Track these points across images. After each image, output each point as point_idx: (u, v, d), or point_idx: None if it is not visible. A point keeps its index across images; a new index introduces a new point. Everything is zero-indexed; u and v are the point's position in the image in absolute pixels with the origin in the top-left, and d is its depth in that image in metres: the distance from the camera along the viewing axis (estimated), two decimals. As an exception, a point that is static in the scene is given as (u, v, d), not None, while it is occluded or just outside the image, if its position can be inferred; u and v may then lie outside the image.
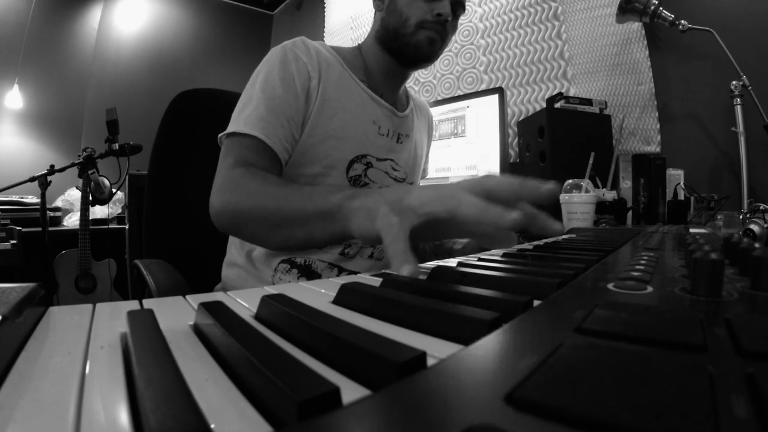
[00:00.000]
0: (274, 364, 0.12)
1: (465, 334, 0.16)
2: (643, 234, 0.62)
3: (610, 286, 0.23)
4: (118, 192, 2.07)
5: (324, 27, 2.75)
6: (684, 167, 1.23)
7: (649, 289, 0.22)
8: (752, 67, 1.11)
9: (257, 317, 0.21)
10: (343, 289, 0.24)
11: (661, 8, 1.19)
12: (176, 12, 3.11)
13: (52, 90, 2.63)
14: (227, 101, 0.69)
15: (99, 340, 0.17)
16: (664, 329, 0.14)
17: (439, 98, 1.79)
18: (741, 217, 0.96)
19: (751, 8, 1.21)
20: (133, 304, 0.22)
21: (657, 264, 0.31)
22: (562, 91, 1.57)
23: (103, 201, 1.99)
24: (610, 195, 1.10)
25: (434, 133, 1.04)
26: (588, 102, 1.32)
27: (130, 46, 2.89)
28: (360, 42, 0.80)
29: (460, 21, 0.80)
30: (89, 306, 0.22)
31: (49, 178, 1.88)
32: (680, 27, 1.16)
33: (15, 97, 2.46)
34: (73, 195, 2.35)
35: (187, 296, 0.25)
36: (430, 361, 0.13)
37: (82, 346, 0.16)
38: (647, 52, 1.41)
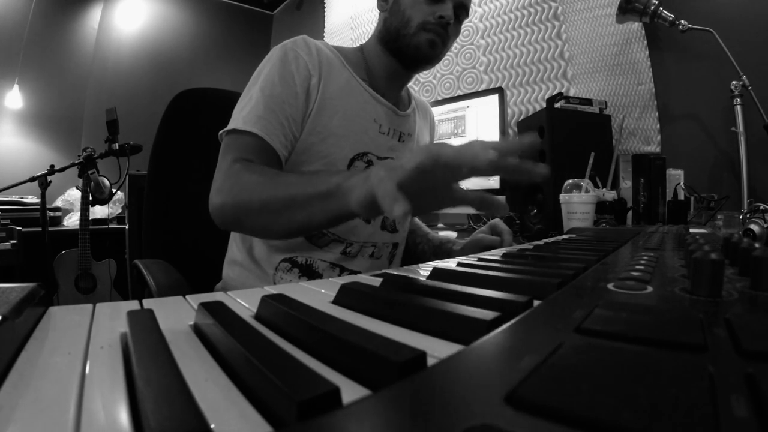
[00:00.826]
0: (274, 364, 0.12)
1: (465, 334, 0.16)
2: (643, 234, 0.62)
3: (610, 286, 0.23)
4: (118, 192, 2.07)
5: (324, 27, 2.75)
6: (684, 167, 1.23)
7: (649, 289, 0.22)
8: (752, 67, 1.10)
9: (257, 317, 0.21)
10: (343, 289, 0.24)
11: (661, 8, 1.19)
12: (176, 12, 3.10)
13: (52, 90, 2.62)
14: (227, 101, 0.69)
15: (99, 340, 0.17)
16: (664, 329, 0.14)
17: (439, 98, 1.79)
18: (741, 217, 0.96)
19: (751, 8, 1.21)
20: (133, 304, 0.22)
21: (657, 264, 0.31)
22: (562, 91, 1.57)
23: (103, 201, 1.99)
24: (610, 195, 1.10)
25: (435, 133, 1.04)
26: (588, 102, 1.32)
27: (130, 46, 2.89)
28: (361, 42, 0.80)
29: None
30: (89, 306, 0.22)
31: (49, 178, 1.88)
32: (680, 27, 1.16)
33: (15, 97, 2.46)
34: (73, 195, 2.34)
35: (187, 296, 0.25)
36: (430, 361, 0.13)
37: (82, 346, 0.16)
38: (647, 52, 1.41)
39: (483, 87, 1.81)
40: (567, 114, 1.27)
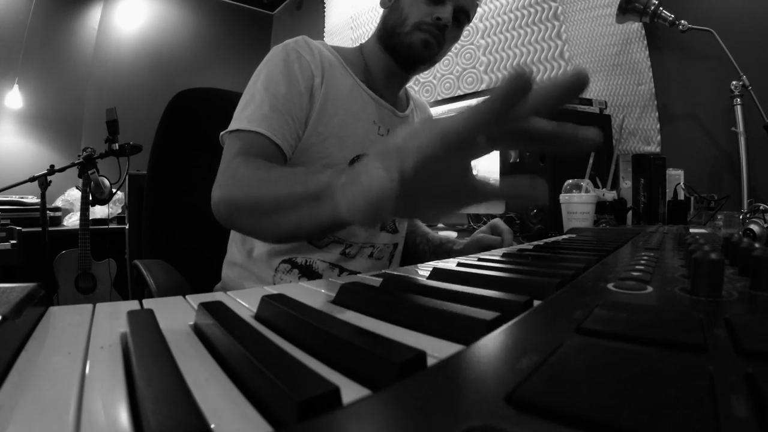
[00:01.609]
0: (274, 364, 0.12)
1: (465, 334, 0.16)
2: (643, 234, 0.62)
3: (610, 286, 0.23)
4: (118, 192, 2.07)
5: (324, 27, 2.75)
6: (684, 167, 1.23)
7: (649, 289, 0.22)
8: (752, 67, 1.10)
9: (257, 317, 0.21)
10: (343, 289, 0.24)
11: (661, 8, 1.19)
12: (176, 12, 3.11)
13: (52, 90, 2.62)
14: (227, 100, 0.69)
15: (99, 340, 0.17)
16: (664, 329, 0.14)
17: (439, 98, 1.79)
18: (741, 217, 0.96)
19: (751, 8, 1.21)
20: (133, 304, 0.22)
21: (657, 264, 0.31)
22: (562, 91, 1.57)
23: (103, 201, 1.99)
24: (610, 195, 1.10)
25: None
26: (588, 102, 1.32)
27: (130, 46, 2.89)
28: (361, 42, 0.80)
29: None
30: (89, 306, 0.22)
31: (49, 178, 1.88)
32: (680, 27, 1.16)
33: (15, 97, 2.46)
34: (73, 195, 2.35)
35: (187, 296, 0.25)
36: (430, 361, 0.13)
37: (82, 346, 0.16)
38: (647, 52, 1.41)
39: (483, 87, 1.81)
40: (567, 114, 1.27)
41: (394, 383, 0.11)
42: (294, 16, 3.19)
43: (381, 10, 0.77)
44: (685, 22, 1.15)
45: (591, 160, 1.01)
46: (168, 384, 0.11)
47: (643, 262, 0.30)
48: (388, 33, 0.73)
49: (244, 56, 3.23)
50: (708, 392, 0.09)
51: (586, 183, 0.94)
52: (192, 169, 0.89)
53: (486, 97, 0.28)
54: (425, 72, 1.99)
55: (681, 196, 1.15)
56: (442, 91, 1.98)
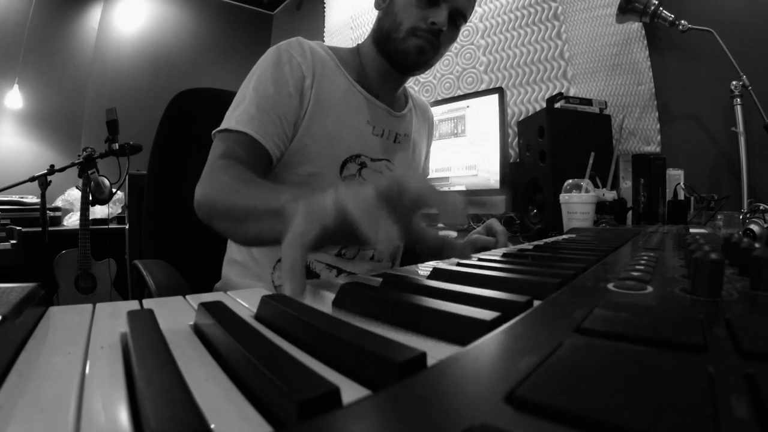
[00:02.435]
0: (274, 364, 0.12)
1: (465, 334, 0.16)
2: (643, 234, 0.62)
3: (610, 286, 0.23)
4: (118, 192, 2.07)
5: (324, 27, 2.75)
6: (684, 167, 1.23)
7: (649, 289, 0.22)
8: (752, 67, 1.10)
9: (257, 317, 0.21)
10: (343, 289, 0.24)
11: (661, 8, 1.19)
12: (176, 12, 3.10)
13: (52, 90, 2.62)
14: (227, 100, 0.69)
15: (99, 340, 0.17)
16: (664, 329, 0.14)
17: (439, 98, 1.79)
18: (741, 217, 0.96)
19: (751, 8, 1.21)
20: (133, 304, 0.22)
21: (657, 264, 0.31)
22: (562, 91, 1.57)
23: (103, 201, 1.99)
24: (610, 195, 1.10)
25: (434, 132, 1.03)
26: (588, 102, 1.32)
27: (130, 46, 2.89)
28: (360, 42, 0.80)
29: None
30: (89, 306, 0.22)
31: (49, 178, 1.88)
32: (680, 27, 1.16)
33: (15, 97, 2.46)
34: (73, 195, 2.35)
35: (187, 296, 0.25)
36: (430, 361, 0.13)
37: (82, 346, 0.16)
38: (647, 52, 1.41)
39: (483, 87, 1.81)
40: (567, 114, 1.27)
41: (394, 383, 0.11)
42: (294, 16, 3.19)
43: None
44: (685, 22, 1.16)
45: (591, 160, 1.01)
46: (168, 384, 0.11)
47: (643, 262, 0.30)
48: (383, 38, 0.73)
49: (244, 56, 3.23)
50: (708, 392, 0.09)
51: (586, 183, 0.94)
52: (192, 169, 0.89)
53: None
54: (425, 72, 1.99)
55: (681, 196, 1.15)
56: (442, 91, 1.98)
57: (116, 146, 1.90)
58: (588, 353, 0.12)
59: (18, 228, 1.93)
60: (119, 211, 2.40)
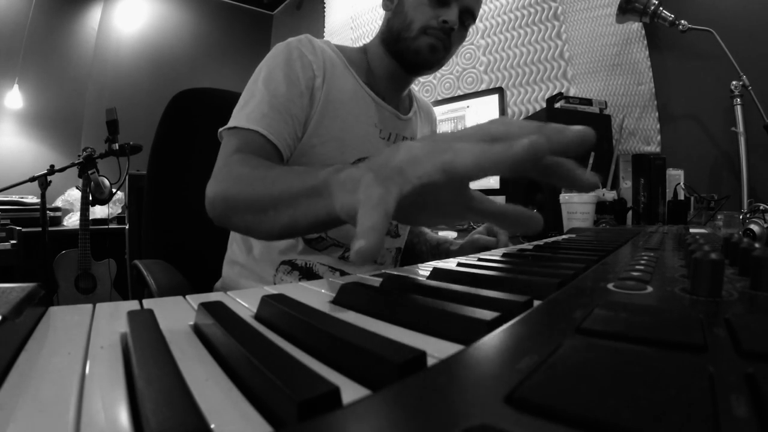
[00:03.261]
0: (274, 364, 0.12)
1: (465, 334, 0.16)
2: (643, 234, 0.62)
3: (610, 286, 0.23)
4: (118, 192, 2.07)
5: (324, 27, 2.75)
6: (684, 167, 1.23)
7: (649, 289, 0.22)
8: (752, 67, 1.10)
9: (257, 317, 0.21)
10: (343, 289, 0.24)
11: (661, 8, 1.19)
12: (176, 12, 3.10)
13: (52, 90, 2.62)
14: (226, 100, 0.69)
15: (99, 340, 0.17)
16: (664, 329, 0.14)
17: (439, 98, 1.79)
18: (741, 217, 0.96)
19: (751, 8, 1.21)
20: (133, 304, 0.22)
21: (657, 264, 0.31)
22: (562, 91, 1.57)
23: (103, 201, 1.99)
24: (610, 195, 1.10)
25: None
26: (588, 102, 1.32)
27: (130, 46, 2.89)
28: (365, 42, 0.79)
29: None
30: (89, 306, 0.22)
31: (49, 178, 1.88)
32: (680, 27, 1.16)
33: (15, 97, 2.46)
34: (73, 195, 2.34)
35: (187, 296, 0.25)
36: (430, 361, 0.13)
37: (82, 346, 0.16)
38: (647, 52, 1.41)
39: (483, 87, 1.81)
40: (567, 114, 1.27)
41: (394, 383, 0.11)
42: (294, 16, 3.19)
43: (382, 11, 0.76)
44: (685, 22, 1.15)
45: (591, 160, 1.01)
46: (168, 384, 0.11)
47: (643, 262, 0.30)
48: (393, 37, 0.72)
49: (244, 56, 3.23)
50: (708, 392, 0.09)
51: (586, 183, 0.94)
52: (192, 169, 0.89)
53: (507, 144, 0.26)
54: (425, 72, 1.99)
55: (681, 196, 1.15)
56: (442, 91, 1.98)
57: (116, 146, 1.90)
58: (588, 353, 0.12)
59: (18, 228, 1.93)
60: (119, 211, 2.40)
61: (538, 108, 1.60)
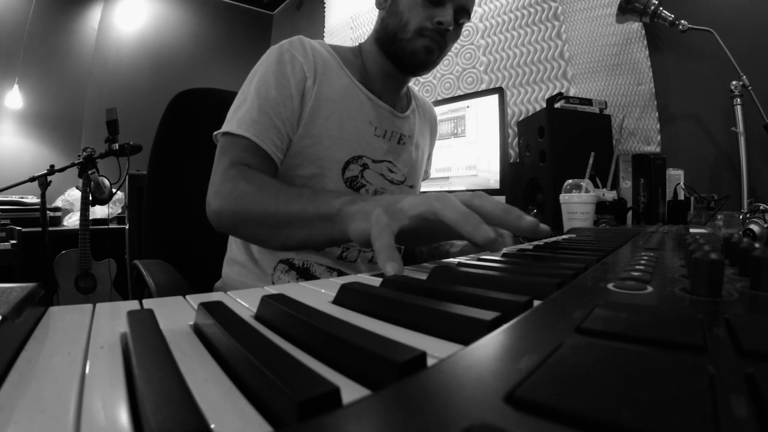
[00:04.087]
0: (274, 364, 0.12)
1: (465, 334, 0.16)
2: (643, 234, 0.62)
3: (610, 286, 0.23)
4: (118, 192, 2.07)
5: (324, 27, 2.75)
6: (684, 167, 1.23)
7: (649, 289, 0.22)
8: (752, 67, 1.10)
9: (257, 317, 0.21)
10: (343, 289, 0.24)
11: (661, 8, 1.19)
12: (176, 12, 3.11)
13: (52, 90, 2.63)
14: (226, 101, 0.69)
15: (99, 340, 0.17)
16: (664, 329, 0.14)
17: (439, 98, 1.79)
18: (741, 217, 0.96)
19: (751, 8, 1.21)
20: (133, 304, 0.22)
21: (657, 264, 0.31)
22: (562, 91, 1.57)
23: (103, 201, 1.99)
24: (610, 195, 1.10)
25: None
26: (588, 102, 1.32)
27: (130, 46, 2.89)
28: (361, 41, 0.80)
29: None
30: (89, 306, 0.22)
31: (49, 178, 1.88)
32: (680, 27, 1.16)
33: (15, 97, 2.46)
34: (73, 195, 2.35)
35: (187, 296, 0.25)
36: (430, 361, 0.13)
37: (82, 346, 0.16)
38: (647, 52, 1.41)
39: (483, 87, 1.81)
40: (567, 114, 1.27)
41: (394, 383, 0.11)
42: (294, 16, 3.19)
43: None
44: (685, 22, 1.15)
45: (591, 160, 1.01)
46: (168, 384, 0.11)
47: (643, 262, 0.30)
48: (388, 38, 0.72)
49: (244, 56, 3.23)
50: (708, 392, 0.09)
51: (586, 183, 0.94)
52: (192, 169, 0.89)
53: (476, 226, 0.37)
54: (425, 72, 1.99)
55: (681, 196, 1.15)
56: (442, 90, 1.98)
57: (116, 146, 1.90)
58: (588, 353, 0.12)
59: (18, 228, 1.93)
60: (119, 211, 2.40)
61: (538, 108, 1.60)
